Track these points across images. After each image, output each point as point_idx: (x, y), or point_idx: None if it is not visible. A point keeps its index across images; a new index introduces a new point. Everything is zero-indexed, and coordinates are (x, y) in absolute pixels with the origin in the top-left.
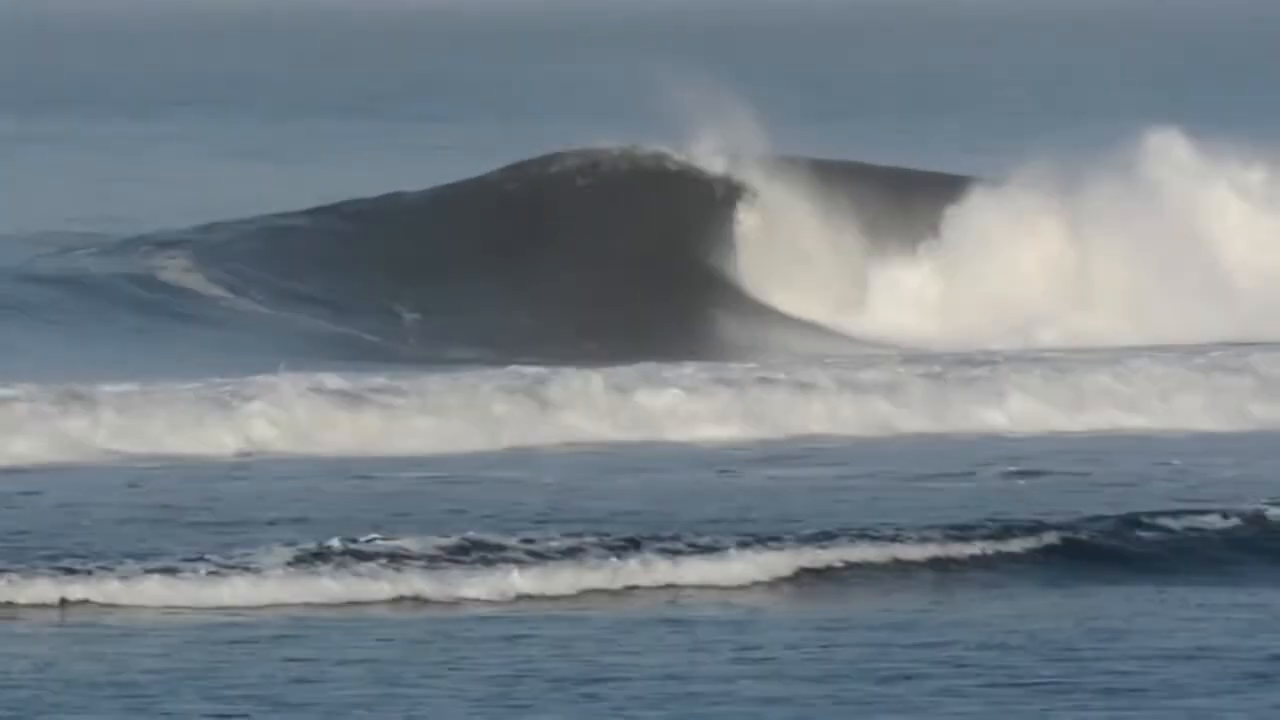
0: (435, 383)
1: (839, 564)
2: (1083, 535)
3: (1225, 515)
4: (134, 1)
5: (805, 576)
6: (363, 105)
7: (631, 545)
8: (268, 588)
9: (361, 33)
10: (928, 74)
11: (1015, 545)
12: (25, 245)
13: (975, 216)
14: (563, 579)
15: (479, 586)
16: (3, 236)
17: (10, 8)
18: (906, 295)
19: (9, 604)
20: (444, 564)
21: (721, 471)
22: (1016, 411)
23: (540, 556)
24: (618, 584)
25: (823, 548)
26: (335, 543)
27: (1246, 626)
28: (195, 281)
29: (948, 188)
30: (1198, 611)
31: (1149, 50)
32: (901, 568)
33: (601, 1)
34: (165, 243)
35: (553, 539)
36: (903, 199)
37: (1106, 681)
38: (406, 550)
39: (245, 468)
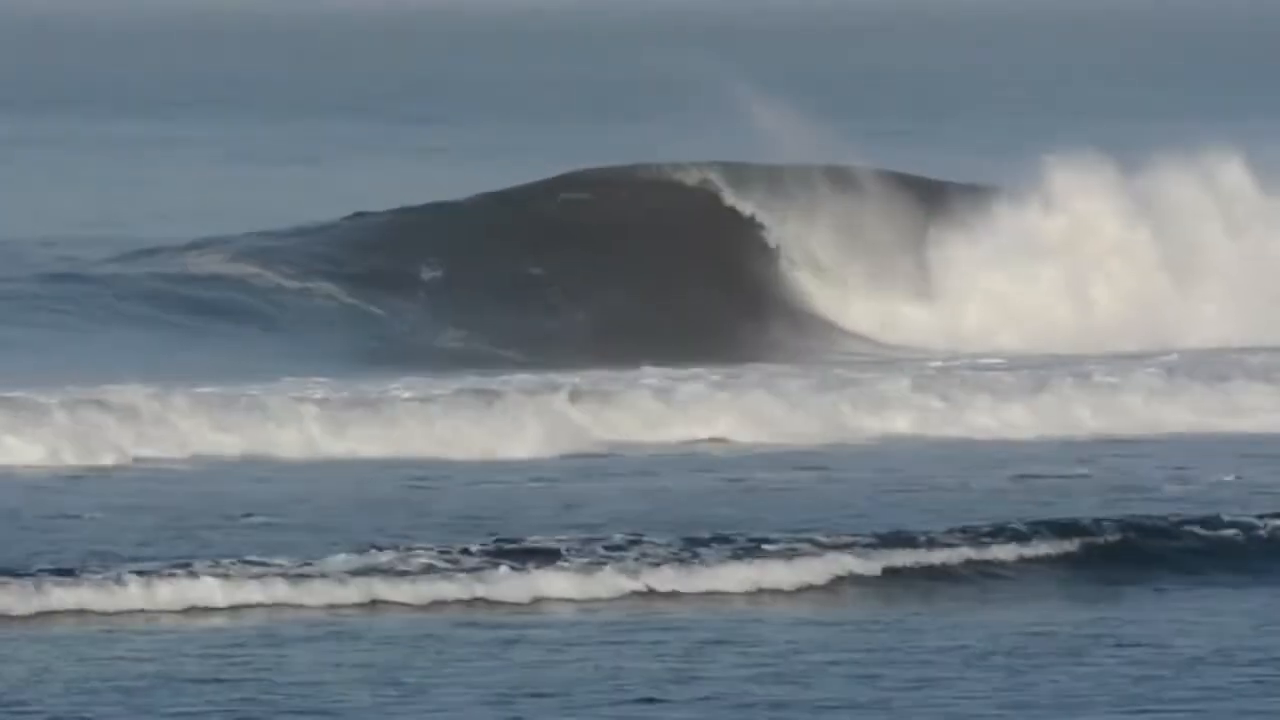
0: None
1: (879, 570)
2: (1109, 538)
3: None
4: (134, 1)
5: (846, 582)
6: (374, 106)
7: (685, 547)
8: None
9: (362, 33)
10: (928, 74)
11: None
12: (48, 247)
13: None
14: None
15: (515, 589)
16: (37, 239)
17: (10, 7)
18: (952, 305)
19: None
20: (488, 566)
21: (730, 479)
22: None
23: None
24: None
25: (862, 555)
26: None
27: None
28: (259, 283)
29: (984, 198)
30: (1200, 615)
31: (1150, 50)
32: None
33: (601, 2)
34: (211, 244)
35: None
36: (945, 207)
37: (1123, 686)
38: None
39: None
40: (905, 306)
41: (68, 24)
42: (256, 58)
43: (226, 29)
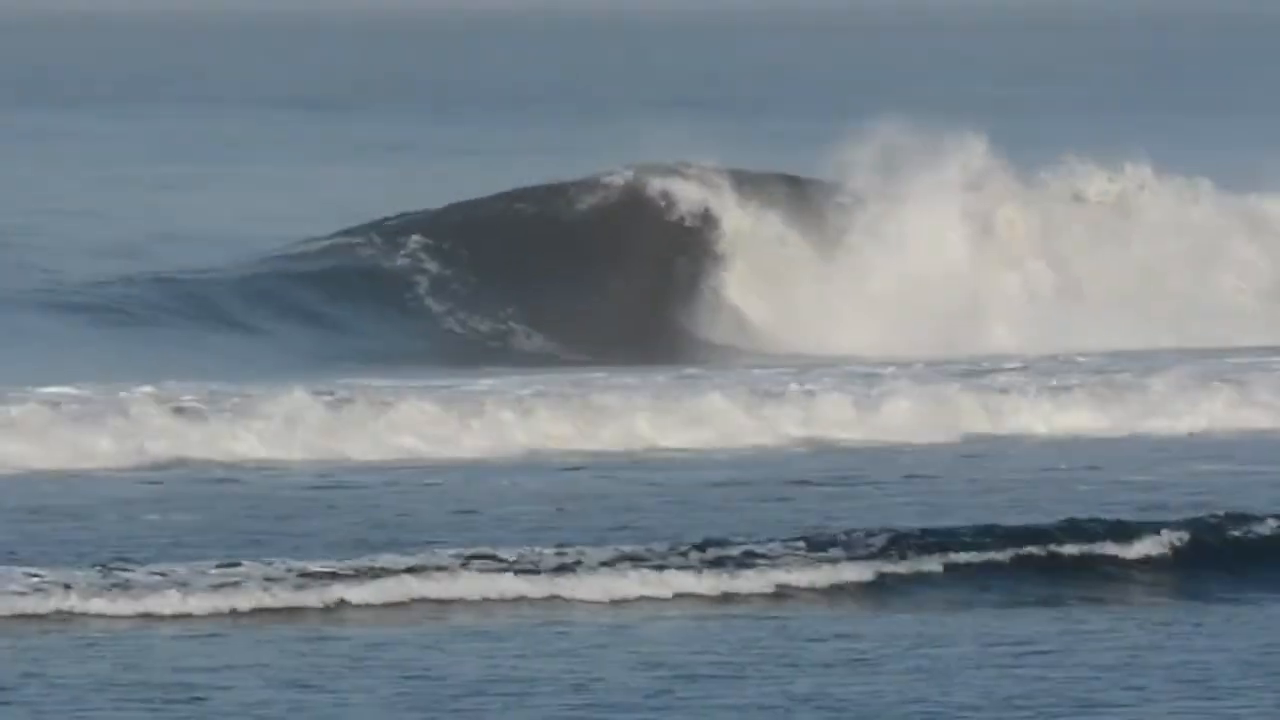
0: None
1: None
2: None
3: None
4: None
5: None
6: (367, 103)
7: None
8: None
9: (364, 31)
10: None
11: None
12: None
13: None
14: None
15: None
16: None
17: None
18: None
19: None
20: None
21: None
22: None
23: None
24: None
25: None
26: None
27: None
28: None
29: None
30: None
31: (1147, 49)
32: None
33: (598, 2)
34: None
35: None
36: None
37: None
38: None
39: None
40: (850, 310)
41: (69, 21)
42: (261, 55)
43: (222, 27)
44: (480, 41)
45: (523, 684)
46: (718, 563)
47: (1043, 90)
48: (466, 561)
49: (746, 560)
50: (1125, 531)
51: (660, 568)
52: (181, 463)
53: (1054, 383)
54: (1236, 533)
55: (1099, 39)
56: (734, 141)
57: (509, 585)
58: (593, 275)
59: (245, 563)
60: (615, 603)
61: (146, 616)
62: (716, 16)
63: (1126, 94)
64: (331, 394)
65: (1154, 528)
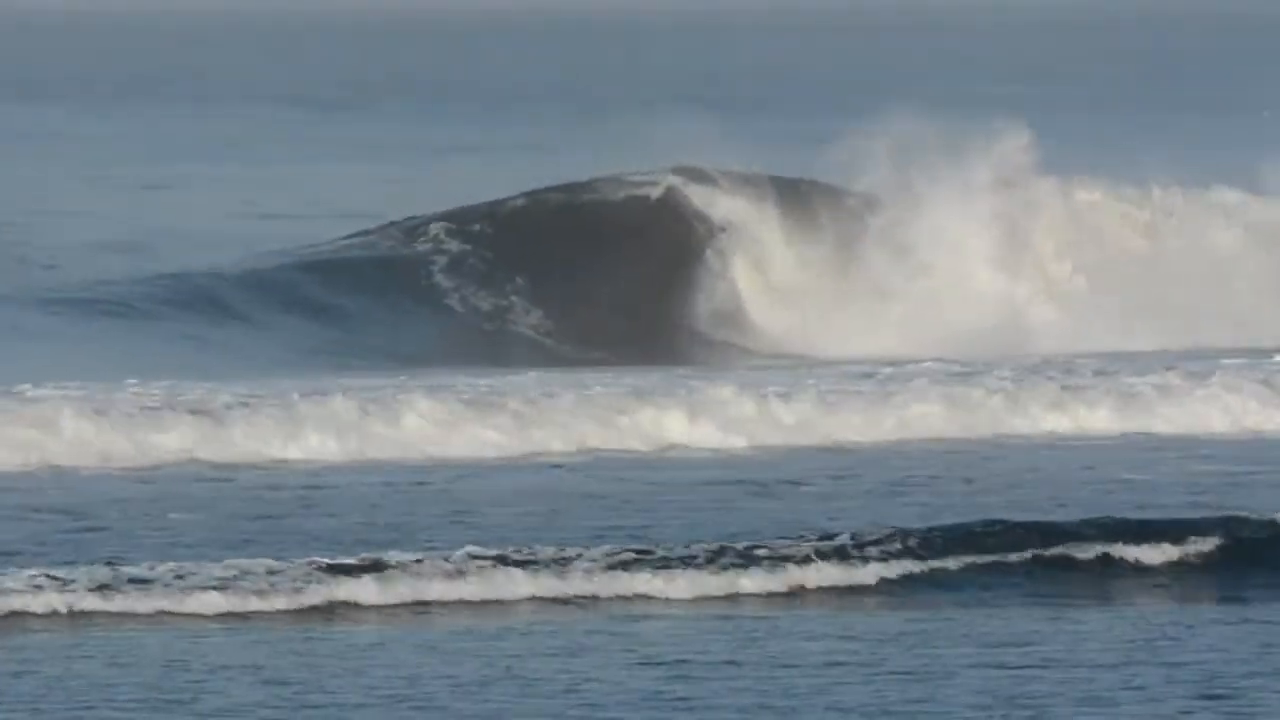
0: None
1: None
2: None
3: None
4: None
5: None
6: (363, 102)
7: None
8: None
9: (367, 30)
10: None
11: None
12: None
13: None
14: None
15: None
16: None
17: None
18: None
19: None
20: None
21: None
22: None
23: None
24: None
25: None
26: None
27: None
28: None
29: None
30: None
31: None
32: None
33: (598, 2)
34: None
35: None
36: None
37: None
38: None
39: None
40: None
41: (69, 21)
42: (270, 54)
43: (223, 27)
44: (480, 41)
45: (522, 683)
46: (718, 561)
47: (1043, 90)
48: (466, 561)
49: (748, 559)
50: (1127, 532)
51: (661, 566)
52: (181, 461)
53: (1057, 383)
54: (1242, 534)
55: (1099, 39)
56: (735, 141)
57: (509, 585)
58: (606, 274)
59: (244, 562)
60: (615, 601)
61: (144, 616)
62: (716, 16)
63: (1126, 94)
64: (333, 393)
65: (1157, 528)
